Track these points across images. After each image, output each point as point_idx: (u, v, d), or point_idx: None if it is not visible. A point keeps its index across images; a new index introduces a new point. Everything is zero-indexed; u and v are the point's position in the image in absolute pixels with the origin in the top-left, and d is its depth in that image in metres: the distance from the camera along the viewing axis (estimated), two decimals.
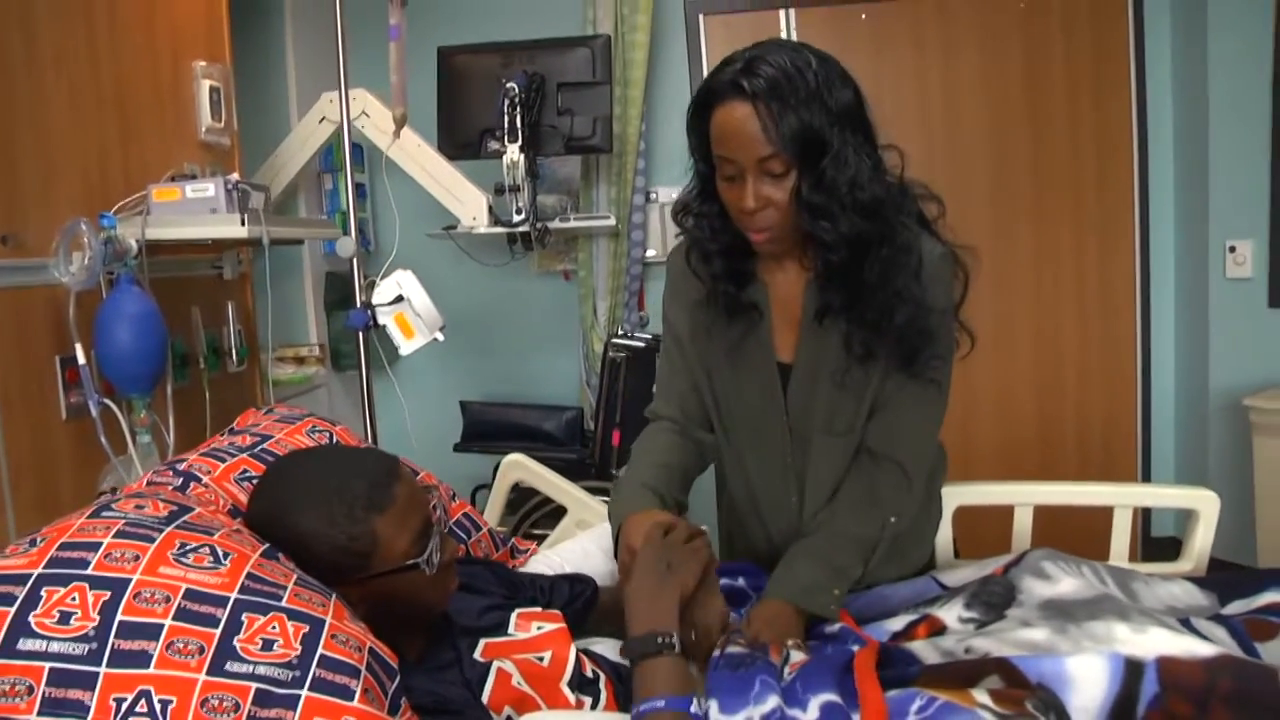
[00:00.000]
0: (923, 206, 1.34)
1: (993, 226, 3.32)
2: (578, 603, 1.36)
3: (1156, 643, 1.10)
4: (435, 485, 1.44)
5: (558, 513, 2.54)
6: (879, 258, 1.25)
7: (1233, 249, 3.07)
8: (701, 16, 3.41)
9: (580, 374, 3.49)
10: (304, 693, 0.84)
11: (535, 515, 2.91)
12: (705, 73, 3.34)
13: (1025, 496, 1.65)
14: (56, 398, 1.80)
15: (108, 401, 1.81)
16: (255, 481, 1.18)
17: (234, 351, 2.33)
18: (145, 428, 1.88)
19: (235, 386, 2.39)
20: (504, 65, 2.84)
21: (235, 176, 2.03)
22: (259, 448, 1.31)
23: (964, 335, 1.36)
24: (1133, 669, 1.05)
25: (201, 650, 0.84)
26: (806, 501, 1.44)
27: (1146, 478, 3.44)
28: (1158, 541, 3.32)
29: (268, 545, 1.02)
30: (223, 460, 1.24)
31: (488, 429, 3.26)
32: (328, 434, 1.43)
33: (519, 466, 1.76)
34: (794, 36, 3.36)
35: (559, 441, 3.20)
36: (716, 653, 1.16)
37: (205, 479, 1.19)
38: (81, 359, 1.77)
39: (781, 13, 3.37)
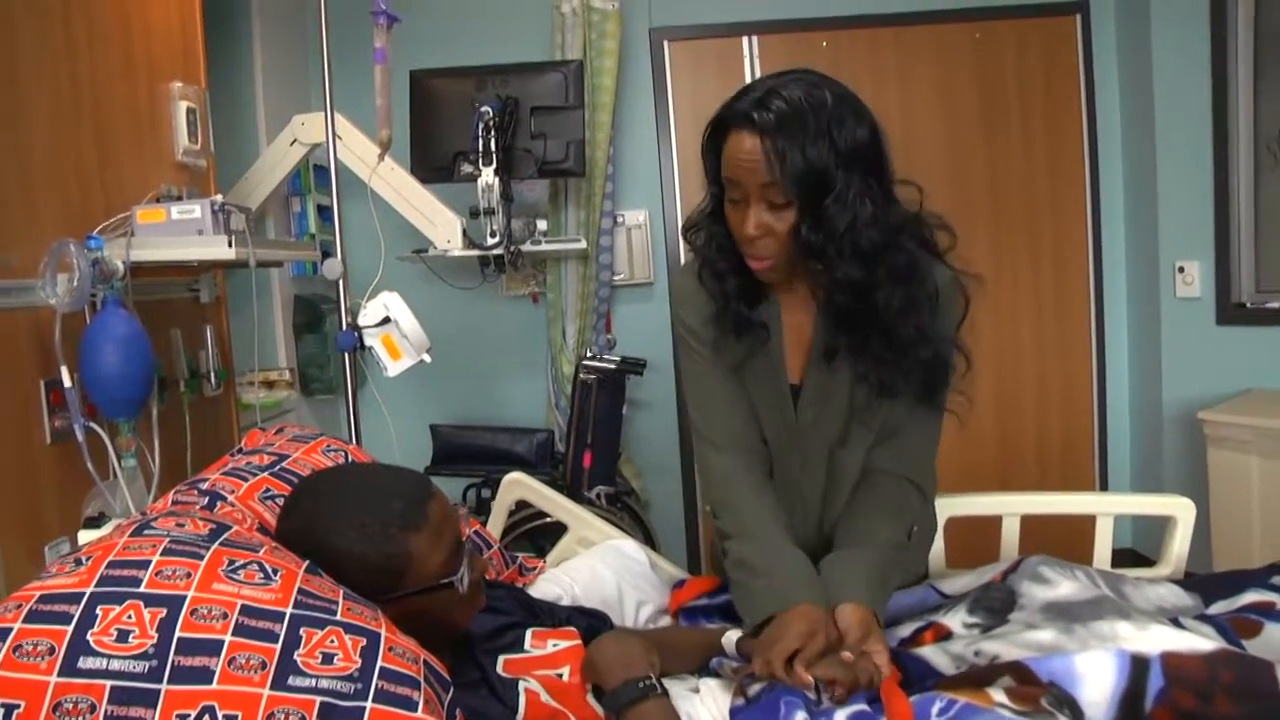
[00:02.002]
0: (934, 236, 1.35)
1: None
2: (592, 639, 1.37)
3: (1159, 639, 1.15)
4: (460, 503, 1.45)
5: (545, 531, 2.55)
6: (895, 296, 1.26)
7: (1181, 269, 3.18)
8: (666, 42, 3.47)
9: (549, 396, 3.49)
10: (369, 704, 0.85)
11: (515, 534, 2.91)
12: (670, 97, 3.51)
13: (1014, 507, 1.70)
14: (41, 421, 1.77)
15: (93, 425, 1.78)
16: (279, 500, 1.18)
17: (212, 374, 2.30)
18: (130, 451, 1.86)
19: (213, 410, 2.36)
20: (478, 89, 2.85)
21: (220, 198, 2.01)
22: (279, 466, 1.30)
23: (960, 357, 1.38)
24: (1139, 664, 1.10)
25: (264, 665, 0.84)
26: (808, 514, 1.48)
27: (1104, 490, 3.54)
28: (1115, 554, 3.42)
29: (309, 561, 1.02)
30: (245, 479, 1.24)
31: (458, 452, 3.24)
32: (343, 453, 1.43)
33: (519, 485, 1.76)
34: (756, 62, 3.44)
35: (530, 464, 3.19)
36: (738, 700, 1.18)
37: (230, 498, 1.18)
38: (67, 381, 1.74)
39: (745, 39, 3.44)
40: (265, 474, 1.27)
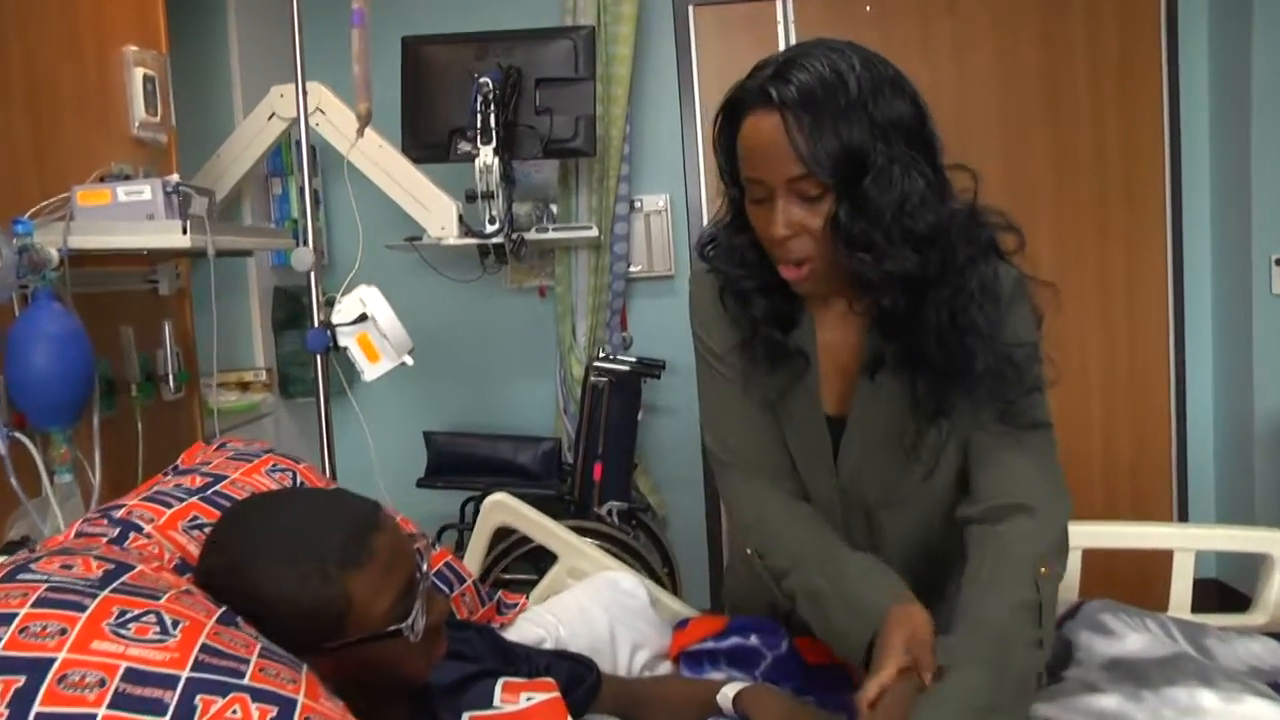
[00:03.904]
0: (998, 237, 1.25)
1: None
2: (579, 690, 1.28)
3: (1255, 714, 1.05)
4: (420, 534, 1.36)
5: (535, 555, 2.49)
6: (944, 299, 1.16)
7: (1278, 262, 3.06)
8: (691, 7, 3.39)
9: (557, 401, 3.43)
10: None
11: (507, 560, 2.85)
12: (695, 68, 3.42)
13: (1073, 539, 1.51)
14: None
15: (19, 435, 1.70)
16: (208, 531, 1.10)
17: (171, 377, 2.23)
18: (66, 465, 1.77)
19: (172, 417, 2.28)
20: (476, 58, 2.80)
21: (176, 178, 1.94)
22: (211, 490, 1.22)
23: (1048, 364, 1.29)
24: None
25: None
26: None
27: (1184, 518, 3.41)
28: (1198, 585, 3.28)
29: (224, 608, 0.93)
30: (168, 505, 1.15)
31: (454, 462, 3.21)
32: (290, 473, 1.35)
33: (502, 508, 1.69)
34: (791, 27, 3.36)
35: (534, 476, 3.15)
36: None
37: (147, 528, 1.10)
38: None
39: (779, 4, 3.36)
40: (194, 498, 1.18)
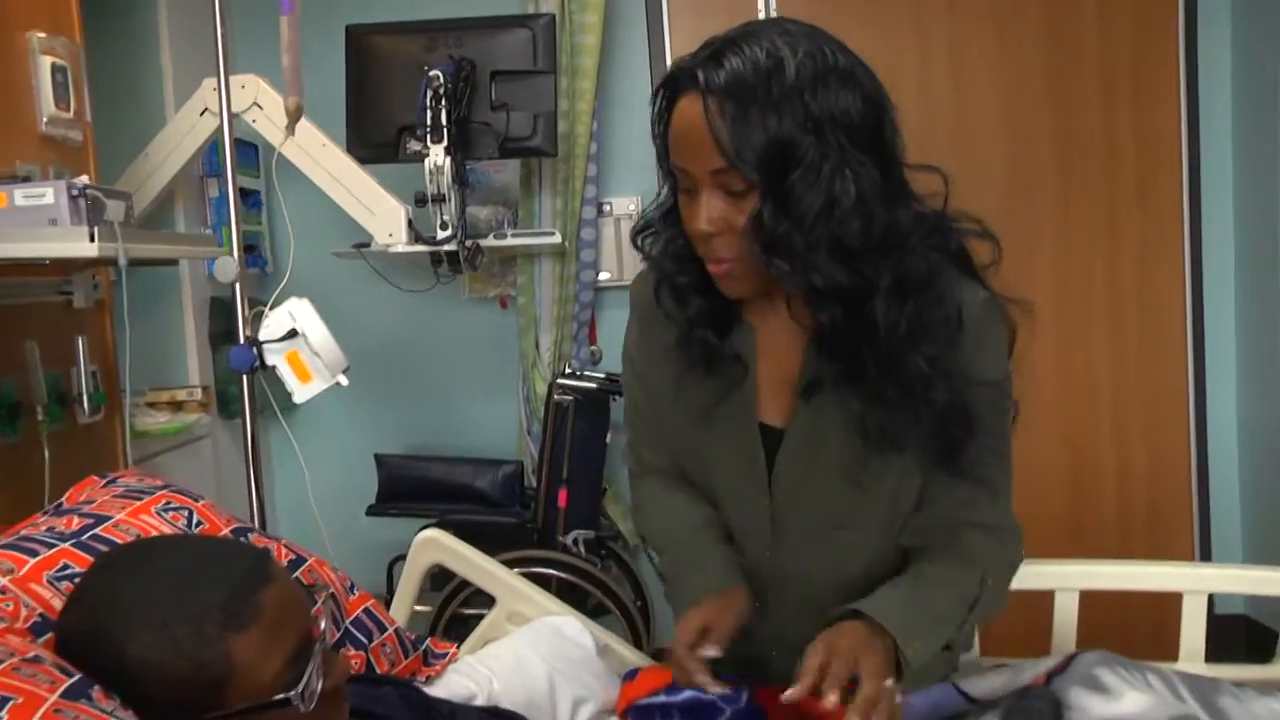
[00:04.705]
0: (970, 247, 1.23)
1: (1007, 248, 3.23)
2: None
3: None
4: (323, 583, 1.30)
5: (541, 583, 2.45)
6: (900, 312, 1.12)
7: None
8: None
9: (520, 420, 3.37)
10: None
11: (465, 593, 2.79)
12: (668, 60, 3.32)
13: (1068, 579, 1.59)
14: None
15: None
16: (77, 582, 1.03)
17: (85, 398, 2.16)
18: None
19: (87, 443, 2.22)
20: (427, 49, 2.74)
21: (85, 179, 1.88)
22: (89, 534, 1.15)
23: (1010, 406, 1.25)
24: None
25: None
26: (781, 611, 1.35)
27: (1206, 555, 3.33)
28: (1223, 622, 3.22)
29: (77, 678, 0.86)
30: (33, 553, 1.08)
31: (408, 488, 3.15)
32: (185, 512, 1.28)
33: (434, 546, 1.63)
34: (773, 15, 3.28)
35: (494, 502, 3.10)
36: None
37: (4, 580, 1.03)
38: None
39: None
40: (67, 544, 1.11)
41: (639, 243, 1.30)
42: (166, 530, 1.22)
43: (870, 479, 1.23)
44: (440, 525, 3.04)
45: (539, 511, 3.01)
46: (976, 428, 1.17)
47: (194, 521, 1.27)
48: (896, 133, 1.12)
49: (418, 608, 2.99)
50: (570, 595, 2.83)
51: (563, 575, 2.88)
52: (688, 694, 1.38)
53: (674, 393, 1.32)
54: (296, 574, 1.34)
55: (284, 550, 1.35)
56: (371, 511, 3.11)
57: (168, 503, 1.27)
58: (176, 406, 2.90)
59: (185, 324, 3.04)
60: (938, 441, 1.18)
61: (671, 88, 1.14)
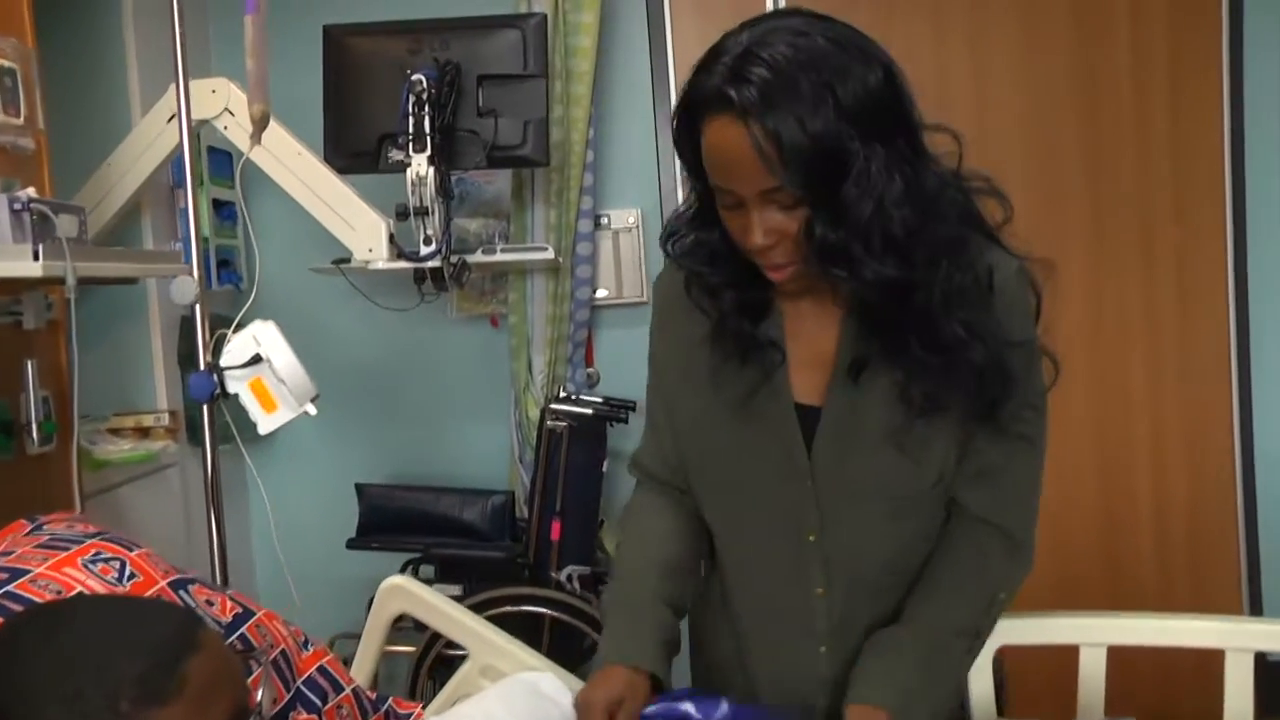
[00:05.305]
0: (981, 204, 1.30)
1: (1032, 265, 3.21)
2: None
3: None
4: (273, 640, 1.25)
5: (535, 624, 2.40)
6: (934, 280, 1.19)
7: None
8: None
9: (512, 448, 3.33)
10: None
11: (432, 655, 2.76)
12: (671, 62, 3.30)
13: (1096, 633, 1.55)
14: None
15: None
16: None
17: (35, 426, 2.12)
18: None
19: (38, 475, 2.18)
20: (410, 51, 2.71)
21: (30, 192, 1.84)
22: (2, 591, 1.09)
23: (1047, 363, 1.33)
24: None
25: None
26: (833, 599, 1.38)
27: (1256, 598, 3.27)
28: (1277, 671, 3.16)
29: None
30: None
31: (391, 519, 3.11)
32: (117, 564, 1.22)
33: (401, 595, 1.57)
34: (781, 8, 3.24)
35: (482, 535, 3.06)
36: None
37: None
38: None
39: None
40: None
41: (669, 248, 1.37)
42: (94, 585, 1.17)
43: (915, 443, 1.29)
44: (425, 559, 3.08)
45: (531, 545, 2.98)
46: (1009, 383, 1.25)
47: (126, 575, 1.21)
48: (912, 100, 1.18)
49: (399, 648, 3.03)
50: (564, 635, 2.81)
51: (556, 614, 2.84)
52: (658, 707, 1.35)
53: (711, 388, 1.38)
54: (241, 630, 1.29)
55: (229, 604, 1.30)
56: (352, 544, 3.06)
57: (97, 553, 1.22)
58: (142, 433, 2.87)
59: (153, 344, 3.01)
60: (978, 400, 1.26)
61: (695, 108, 1.18)
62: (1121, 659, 1.54)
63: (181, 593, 1.25)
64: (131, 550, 1.26)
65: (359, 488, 3.13)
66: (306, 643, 1.38)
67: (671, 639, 1.38)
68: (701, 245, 1.32)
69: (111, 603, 1.05)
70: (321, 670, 1.36)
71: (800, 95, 1.10)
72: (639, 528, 1.49)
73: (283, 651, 1.32)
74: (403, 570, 3.14)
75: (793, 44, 1.12)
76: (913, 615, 1.35)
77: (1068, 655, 1.55)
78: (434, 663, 2.82)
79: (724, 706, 1.34)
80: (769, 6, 3.26)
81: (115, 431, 2.80)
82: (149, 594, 1.22)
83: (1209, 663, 1.52)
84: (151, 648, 0.91)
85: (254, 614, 1.33)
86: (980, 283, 1.23)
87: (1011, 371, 1.25)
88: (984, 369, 1.23)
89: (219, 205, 3.17)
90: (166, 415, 2.93)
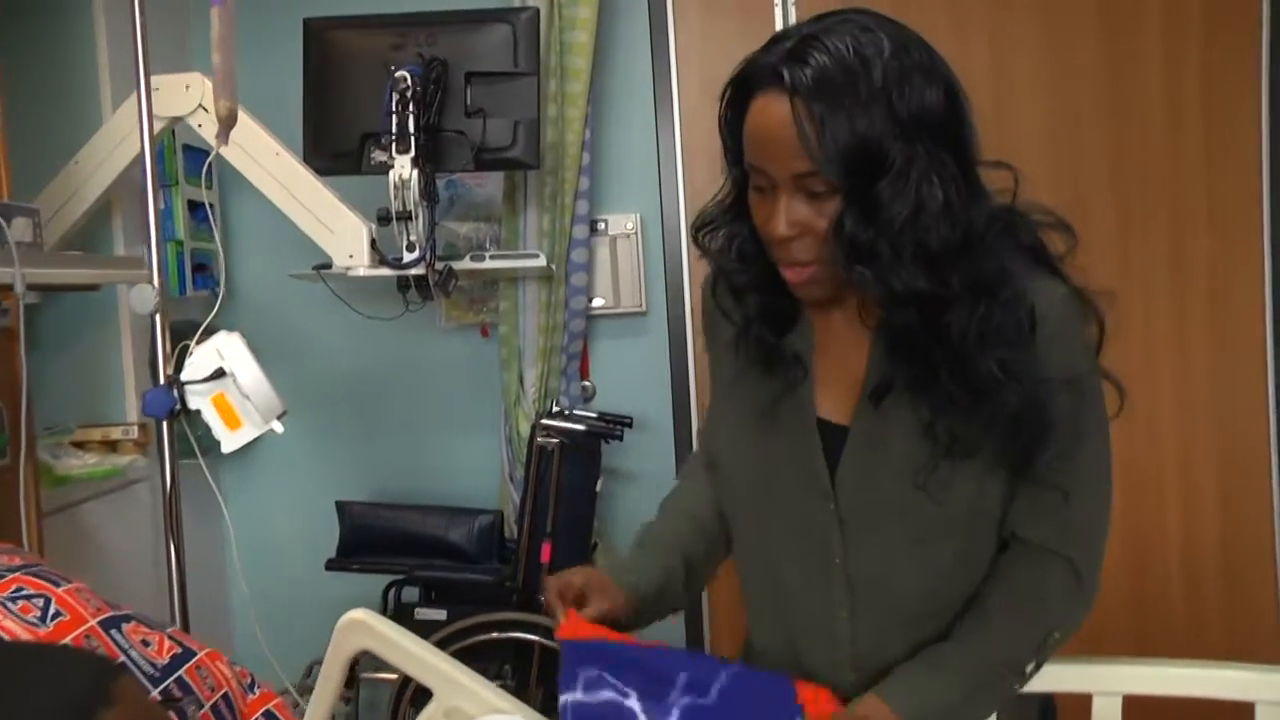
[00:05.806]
0: (1045, 238, 1.31)
1: None
2: None
3: None
4: (214, 682, 1.21)
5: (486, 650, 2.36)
6: (972, 317, 1.19)
7: None
8: None
9: (502, 465, 3.31)
10: None
11: (452, 649, 2.72)
12: (673, 59, 3.28)
13: (1112, 681, 1.51)
14: None
15: None
16: None
17: None
18: None
19: None
20: (395, 47, 2.71)
21: None
22: None
23: (1110, 387, 1.34)
24: None
25: None
26: (859, 624, 1.38)
27: None
28: None
29: None
30: None
31: (373, 539, 3.10)
32: (41, 600, 1.19)
33: (360, 630, 1.50)
34: (791, 9, 3.26)
35: (469, 557, 3.04)
36: None
37: None
38: None
39: None
40: None
41: (700, 239, 1.38)
42: (10, 626, 1.13)
43: (937, 485, 1.27)
44: (409, 581, 3.05)
45: (520, 568, 2.96)
46: (1050, 431, 1.24)
47: (50, 614, 1.18)
48: (973, 128, 1.20)
49: (380, 676, 3.00)
50: (553, 664, 2.78)
51: (546, 641, 2.81)
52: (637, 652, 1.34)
53: (734, 391, 1.42)
54: (179, 673, 1.24)
55: (166, 644, 1.26)
56: (331, 565, 3.05)
57: (19, 589, 1.18)
58: (110, 446, 2.85)
59: (122, 353, 2.98)
60: (1012, 447, 1.25)
61: (746, 84, 1.20)
62: (1148, 710, 1.51)
63: (114, 632, 1.21)
64: (59, 585, 1.22)
65: (340, 505, 3.10)
66: (253, 685, 1.35)
67: (669, 585, 1.44)
68: (732, 238, 1.34)
69: (16, 652, 1.01)
70: (268, 715, 1.33)
71: (854, 91, 1.12)
72: (686, 485, 1.58)
73: (225, 695, 1.28)
74: (385, 592, 3.13)
75: (858, 39, 1.14)
76: (963, 638, 1.34)
77: (1078, 704, 1.52)
78: (415, 691, 2.80)
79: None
80: (777, 2, 3.27)
81: (80, 445, 2.78)
82: (76, 633, 1.18)
83: (1238, 714, 1.49)
84: (60, 707, 0.88)
85: (195, 654, 1.29)
86: (1021, 324, 1.22)
87: (1049, 417, 1.24)
88: (1019, 414, 1.22)
89: (193, 207, 3.14)
90: (136, 428, 2.90)
